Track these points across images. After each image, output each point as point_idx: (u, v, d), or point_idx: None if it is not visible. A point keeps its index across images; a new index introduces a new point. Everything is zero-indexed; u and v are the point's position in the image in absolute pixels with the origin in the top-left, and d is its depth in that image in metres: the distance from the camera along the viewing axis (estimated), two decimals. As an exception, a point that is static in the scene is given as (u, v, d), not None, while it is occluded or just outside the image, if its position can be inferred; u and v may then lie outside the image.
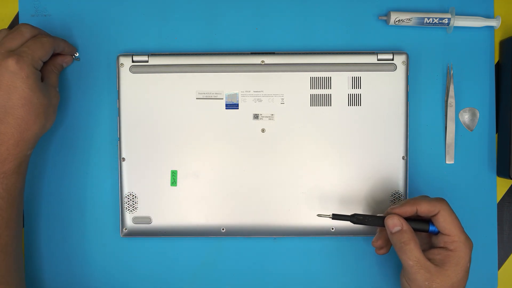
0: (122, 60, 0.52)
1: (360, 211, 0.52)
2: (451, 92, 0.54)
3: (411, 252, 0.44)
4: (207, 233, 0.53)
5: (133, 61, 0.52)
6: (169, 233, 0.53)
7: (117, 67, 0.52)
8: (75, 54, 0.54)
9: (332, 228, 0.52)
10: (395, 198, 0.52)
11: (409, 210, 0.46)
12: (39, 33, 0.48)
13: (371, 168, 0.52)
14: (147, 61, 0.52)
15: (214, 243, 0.54)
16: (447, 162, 0.54)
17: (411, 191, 0.54)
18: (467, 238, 0.45)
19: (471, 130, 0.55)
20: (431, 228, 0.46)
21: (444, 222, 0.45)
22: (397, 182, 0.52)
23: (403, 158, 0.52)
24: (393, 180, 0.52)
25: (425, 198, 0.47)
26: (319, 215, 0.48)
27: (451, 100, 0.54)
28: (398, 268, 0.54)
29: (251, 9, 0.54)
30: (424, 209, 0.45)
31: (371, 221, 0.47)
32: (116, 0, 0.54)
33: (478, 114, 0.55)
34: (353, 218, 0.47)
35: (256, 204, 0.52)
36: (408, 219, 0.46)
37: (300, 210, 0.52)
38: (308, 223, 0.52)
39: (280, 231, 0.52)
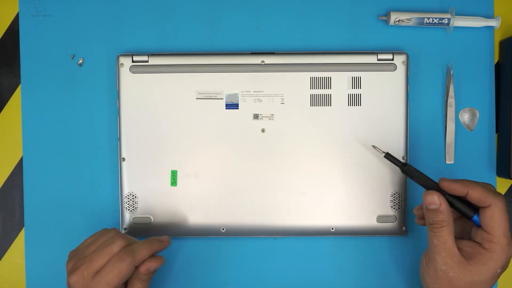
0: (122, 60, 0.52)
1: (360, 211, 0.52)
2: (451, 92, 0.54)
3: (440, 234, 0.42)
4: (207, 233, 0.53)
5: (133, 61, 0.52)
6: (169, 233, 0.53)
7: (117, 67, 0.52)
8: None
9: (332, 228, 0.52)
10: (395, 198, 0.52)
11: (459, 189, 0.43)
12: (127, 245, 0.45)
13: (371, 168, 0.52)
14: (147, 61, 0.52)
15: (214, 243, 0.54)
16: (447, 162, 0.54)
17: (411, 191, 0.54)
18: (509, 244, 0.42)
19: (471, 130, 0.55)
20: (475, 218, 0.43)
21: (491, 218, 0.42)
22: (397, 182, 0.52)
23: (403, 158, 0.52)
24: (393, 180, 0.52)
25: (483, 186, 0.43)
26: (374, 147, 0.49)
27: (451, 100, 0.54)
28: (397, 268, 0.54)
29: (251, 9, 0.54)
30: (476, 195, 0.42)
31: (419, 178, 0.45)
32: (116, 0, 0.54)
33: (478, 114, 0.55)
34: (405, 168, 0.46)
35: (256, 204, 0.52)
36: (458, 198, 0.44)
37: (300, 210, 0.52)
38: (308, 223, 0.52)
39: (280, 231, 0.52)
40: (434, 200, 0.43)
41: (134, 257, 0.44)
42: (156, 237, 0.47)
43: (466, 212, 0.44)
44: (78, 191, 0.54)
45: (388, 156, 0.47)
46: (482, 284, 0.42)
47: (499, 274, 0.43)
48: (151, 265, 0.45)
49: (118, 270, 0.43)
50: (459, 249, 0.43)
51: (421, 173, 0.45)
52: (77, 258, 0.45)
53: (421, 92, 0.54)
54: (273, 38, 0.54)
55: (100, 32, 0.54)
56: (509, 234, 0.42)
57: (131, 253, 0.44)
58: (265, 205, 0.52)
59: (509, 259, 0.42)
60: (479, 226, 0.43)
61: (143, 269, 0.45)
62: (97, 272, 0.43)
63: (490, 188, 0.43)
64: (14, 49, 0.55)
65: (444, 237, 0.42)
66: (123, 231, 0.53)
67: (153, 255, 0.46)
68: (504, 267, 0.43)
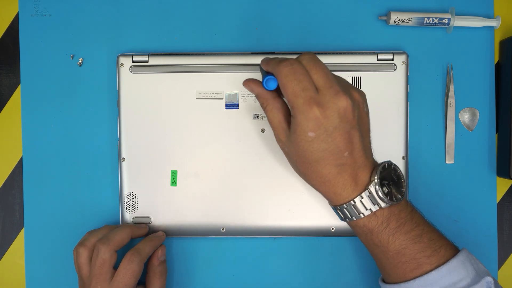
0: (122, 60, 0.52)
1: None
2: (451, 92, 0.54)
3: (267, 114, 0.43)
4: (207, 233, 0.53)
5: (133, 61, 0.52)
6: (169, 233, 0.53)
7: (117, 67, 0.52)
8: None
9: (332, 228, 0.52)
10: (395, 198, 0.52)
11: (266, 68, 0.43)
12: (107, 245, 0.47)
13: (371, 168, 0.52)
14: (147, 61, 0.52)
15: (214, 243, 0.54)
16: (447, 162, 0.54)
17: (411, 191, 0.54)
18: (306, 103, 0.39)
19: (471, 130, 0.55)
20: (265, 84, 0.42)
21: (279, 83, 0.41)
22: (397, 182, 0.52)
23: (403, 158, 0.52)
24: (393, 180, 0.52)
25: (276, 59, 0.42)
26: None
27: (451, 100, 0.54)
28: (398, 268, 0.54)
29: (251, 9, 0.54)
30: (268, 69, 0.42)
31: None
32: (116, 0, 0.54)
33: (478, 114, 0.55)
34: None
35: (256, 204, 0.52)
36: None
37: (300, 210, 0.52)
38: (308, 223, 0.52)
39: (280, 231, 0.52)
40: (247, 87, 0.45)
41: (141, 256, 0.48)
42: (153, 234, 0.52)
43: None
44: (78, 191, 0.54)
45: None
46: (304, 153, 0.40)
47: (315, 139, 0.40)
48: (160, 253, 0.51)
49: (132, 271, 0.47)
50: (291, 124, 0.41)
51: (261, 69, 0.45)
52: (84, 285, 0.48)
53: (421, 92, 0.54)
54: (273, 38, 0.54)
55: (100, 32, 0.54)
56: (303, 94, 0.39)
57: (138, 253, 0.48)
58: (265, 205, 0.52)
59: (316, 119, 0.39)
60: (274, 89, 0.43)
61: (155, 260, 0.50)
62: (112, 279, 0.47)
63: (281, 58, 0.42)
64: (14, 49, 0.55)
65: (269, 116, 0.43)
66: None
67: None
68: (316, 129, 0.39)
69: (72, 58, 0.54)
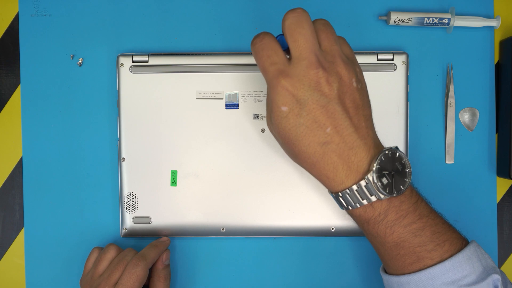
0: (122, 60, 0.52)
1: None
2: (451, 92, 0.54)
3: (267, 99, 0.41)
4: (207, 233, 0.53)
5: (133, 61, 0.52)
6: (169, 233, 0.53)
7: (117, 67, 0.52)
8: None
9: (332, 228, 0.52)
10: (395, 198, 0.52)
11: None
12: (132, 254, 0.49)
13: (371, 168, 0.52)
14: (147, 61, 0.52)
15: (214, 243, 0.54)
16: (447, 162, 0.54)
17: (411, 191, 0.54)
18: (276, 75, 0.36)
19: (471, 130, 0.55)
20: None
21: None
22: (397, 182, 0.52)
23: (403, 158, 0.52)
24: (393, 180, 0.52)
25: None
26: None
27: (451, 100, 0.54)
28: (398, 268, 0.54)
29: (251, 9, 0.54)
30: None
31: None
32: (116, 0, 0.54)
33: (478, 114, 0.55)
34: None
35: (256, 204, 0.52)
36: None
37: (300, 210, 0.52)
38: (308, 223, 0.52)
39: (280, 231, 0.52)
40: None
41: (147, 260, 0.48)
42: (157, 240, 0.52)
43: None
44: (78, 191, 0.54)
45: None
46: (286, 131, 0.38)
47: (289, 113, 0.37)
48: (164, 257, 0.51)
49: (136, 275, 0.46)
50: None
51: None
52: (91, 283, 0.48)
53: (421, 92, 0.54)
54: (273, 38, 0.54)
55: (100, 32, 0.54)
56: (272, 68, 0.37)
57: (143, 257, 0.48)
58: (265, 205, 0.52)
59: (286, 91, 0.37)
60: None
61: (159, 263, 0.50)
62: (116, 283, 0.46)
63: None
64: (14, 49, 0.55)
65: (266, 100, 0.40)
66: (123, 231, 0.53)
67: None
68: (288, 102, 0.37)
69: (72, 58, 0.54)
